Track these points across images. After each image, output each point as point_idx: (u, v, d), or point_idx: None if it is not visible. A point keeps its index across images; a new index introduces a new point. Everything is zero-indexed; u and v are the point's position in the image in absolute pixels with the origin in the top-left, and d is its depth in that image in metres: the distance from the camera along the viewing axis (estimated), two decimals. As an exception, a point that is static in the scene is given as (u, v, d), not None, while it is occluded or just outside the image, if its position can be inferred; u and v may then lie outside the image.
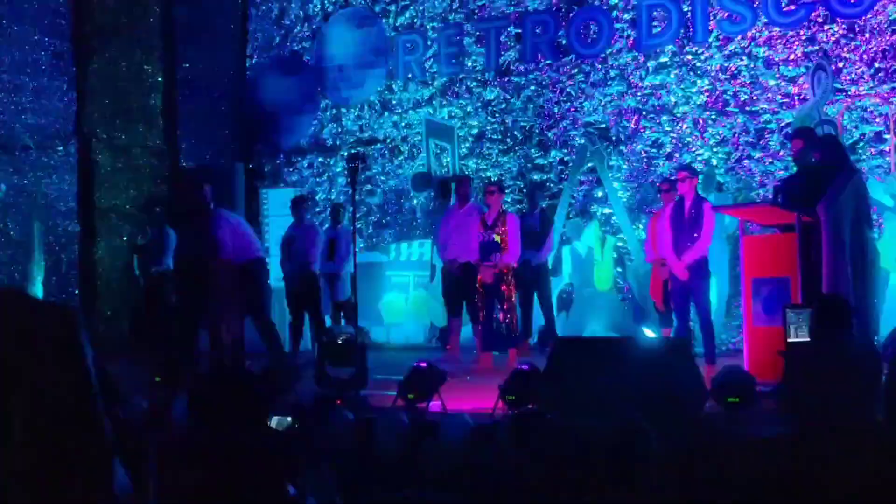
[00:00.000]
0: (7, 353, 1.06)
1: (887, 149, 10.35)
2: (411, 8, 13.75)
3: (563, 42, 12.51)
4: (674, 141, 11.63)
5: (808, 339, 5.53)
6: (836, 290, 6.36)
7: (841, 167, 6.86)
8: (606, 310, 11.51)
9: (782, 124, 10.89)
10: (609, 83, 12.14)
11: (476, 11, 13.23)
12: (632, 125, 11.93)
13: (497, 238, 9.34)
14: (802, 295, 6.74)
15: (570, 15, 12.45)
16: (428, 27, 13.59)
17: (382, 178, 13.85)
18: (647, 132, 11.83)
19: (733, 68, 11.30)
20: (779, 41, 11.06)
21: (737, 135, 11.23)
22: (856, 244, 6.70)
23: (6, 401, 1.05)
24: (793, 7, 10.98)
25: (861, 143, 10.47)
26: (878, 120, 10.45)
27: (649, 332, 10.06)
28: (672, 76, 11.70)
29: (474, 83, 13.19)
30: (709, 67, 11.45)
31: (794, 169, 8.20)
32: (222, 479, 2.55)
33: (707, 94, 11.42)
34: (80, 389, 1.10)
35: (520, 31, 12.82)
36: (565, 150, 12.41)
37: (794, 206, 6.92)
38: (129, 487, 1.18)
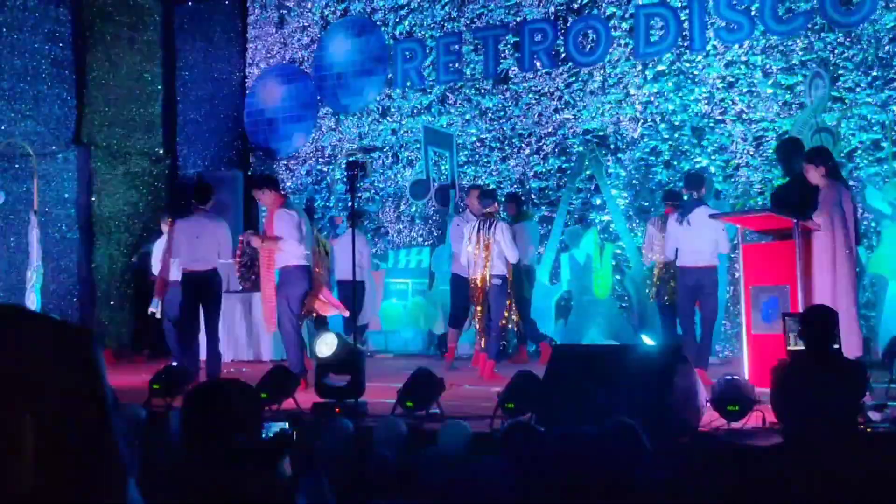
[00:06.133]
0: (21, 373, 1.06)
1: (884, 156, 10.38)
2: (410, 17, 13.79)
3: (562, 50, 12.54)
4: (672, 148, 11.66)
5: (795, 351, 5.51)
6: (832, 301, 6.38)
7: (833, 177, 6.91)
8: (605, 317, 11.51)
9: (780, 132, 10.91)
10: (607, 91, 12.17)
11: (474, 20, 13.26)
12: (630, 133, 11.95)
13: (487, 247, 9.31)
14: (802, 303, 6.75)
15: (569, 24, 12.48)
16: (427, 35, 13.62)
17: (381, 185, 13.88)
18: (645, 140, 11.86)
19: (731, 77, 11.33)
20: (776, 49, 11.09)
21: (735, 142, 11.26)
22: (847, 255, 6.74)
23: (20, 421, 1.05)
24: (790, 15, 11.01)
25: (858, 151, 10.49)
26: (875, 128, 10.47)
27: (648, 340, 10.08)
28: (670, 84, 11.72)
29: (473, 91, 13.22)
30: (706, 76, 11.49)
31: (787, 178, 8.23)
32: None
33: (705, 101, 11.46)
34: (96, 410, 1.10)
35: (518, 39, 12.85)
36: (564, 158, 12.43)
37: (791, 214, 6.95)
38: None
